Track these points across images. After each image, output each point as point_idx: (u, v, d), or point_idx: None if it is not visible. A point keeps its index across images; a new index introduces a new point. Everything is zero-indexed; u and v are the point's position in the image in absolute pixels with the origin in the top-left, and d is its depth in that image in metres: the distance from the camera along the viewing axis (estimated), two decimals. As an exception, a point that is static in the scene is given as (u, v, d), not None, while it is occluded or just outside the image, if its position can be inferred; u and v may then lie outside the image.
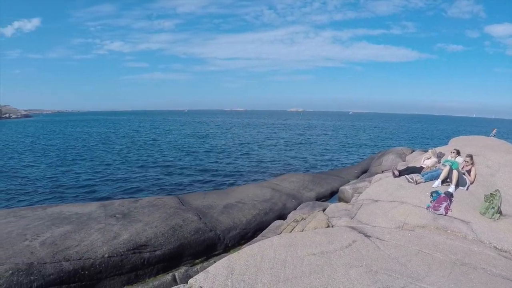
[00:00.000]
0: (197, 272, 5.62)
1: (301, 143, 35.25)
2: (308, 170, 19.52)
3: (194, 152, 27.26)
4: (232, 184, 15.59)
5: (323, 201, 10.74)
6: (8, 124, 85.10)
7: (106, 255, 5.40)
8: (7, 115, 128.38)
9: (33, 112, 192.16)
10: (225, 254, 6.64)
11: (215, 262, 5.77)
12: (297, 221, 7.95)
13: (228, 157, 24.57)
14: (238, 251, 5.15)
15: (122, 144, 33.37)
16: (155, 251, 5.77)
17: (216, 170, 19.41)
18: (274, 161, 23.28)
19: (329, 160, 24.46)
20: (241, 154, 26.25)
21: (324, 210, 8.26)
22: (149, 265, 5.76)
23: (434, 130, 72.21)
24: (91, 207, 6.75)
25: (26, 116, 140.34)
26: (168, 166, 20.76)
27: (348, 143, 36.72)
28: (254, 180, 16.56)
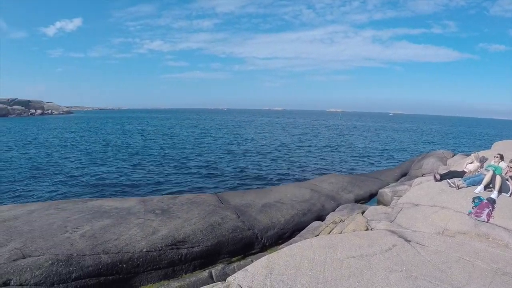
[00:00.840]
0: (234, 270, 5.57)
1: (340, 144, 34.62)
2: (347, 172, 19.18)
3: (233, 151, 27.32)
4: (270, 184, 15.48)
5: (362, 203, 10.46)
6: (51, 120, 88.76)
7: (145, 250, 5.41)
8: (49, 111, 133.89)
9: (75, 108, 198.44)
10: (262, 253, 6.54)
11: (252, 261, 5.70)
12: (336, 223, 7.78)
13: (267, 157, 24.49)
14: (278, 251, 5.06)
15: (162, 142, 33.87)
16: (192, 247, 5.73)
17: (255, 170, 19.37)
18: (313, 161, 23.04)
19: (368, 162, 23.96)
20: (280, 154, 26.10)
21: (363, 213, 8.06)
22: (186, 261, 5.72)
23: (476, 133, 69.35)
24: (131, 202, 6.81)
25: (68, 112, 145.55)
26: (207, 164, 20.89)
27: (388, 145, 35.77)
28: (292, 180, 16.39)
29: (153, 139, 36.66)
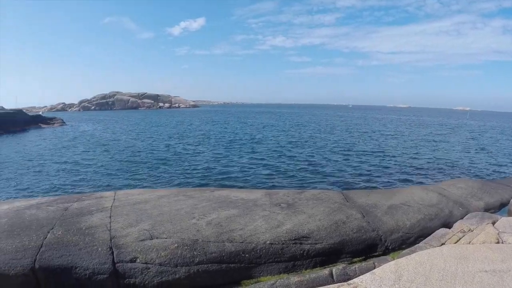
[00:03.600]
0: (355, 271, 5.32)
1: (470, 147, 31.77)
2: (475, 176, 17.61)
3: (361, 149, 26.74)
4: (395, 185, 14.99)
5: (492, 212, 9.34)
6: (178, 112, 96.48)
7: (268, 242, 5.36)
8: (177, 105, 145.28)
9: (201, 102, 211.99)
10: (384, 256, 6.16)
11: (374, 263, 5.44)
12: (464, 232, 7.07)
13: (393, 156, 23.58)
14: (406, 257, 4.77)
15: (289, 137, 34.18)
16: (315, 244, 5.53)
17: (380, 168, 18.83)
18: (441, 164, 21.58)
19: (500, 167, 21.62)
20: (407, 154, 24.97)
21: (493, 223, 7.16)
22: (308, 257, 5.55)
23: None
24: (257, 194, 6.85)
25: (194, 106, 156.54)
26: (331, 160, 20.92)
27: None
28: (420, 182, 15.63)
29: (276, 136, 37.06)
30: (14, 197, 13.59)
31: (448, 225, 7.78)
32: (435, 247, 5.89)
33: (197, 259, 5.16)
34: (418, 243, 6.82)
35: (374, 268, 5.56)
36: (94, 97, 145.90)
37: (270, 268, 5.37)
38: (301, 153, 23.82)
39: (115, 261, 5.20)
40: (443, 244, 6.39)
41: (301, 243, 5.48)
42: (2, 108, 52.52)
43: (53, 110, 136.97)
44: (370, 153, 24.99)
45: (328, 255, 5.70)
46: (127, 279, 5.15)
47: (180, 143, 29.76)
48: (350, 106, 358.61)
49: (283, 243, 5.39)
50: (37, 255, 5.32)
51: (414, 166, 20.14)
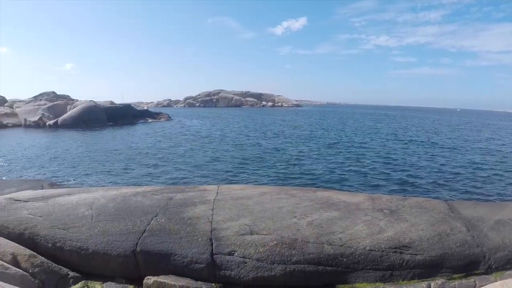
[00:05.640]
0: None
1: None
2: None
3: (469, 157, 25.05)
4: (507, 197, 14.06)
5: None
6: (280, 111, 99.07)
7: (368, 248, 5.19)
8: (279, 104, 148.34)
9: (303, 102, 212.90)
10: (485, 275, 5.72)
11: (475, 281, 5.17)
12: None
13: (496, 166, 21.79)
14: None
15: (396, 141, 33.05)
16: (416, 254, 5.28)
17: (492, 179, 17.63)
18: None
19: None
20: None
21: None
22: (406, 268, 5.30)
23: None
24: (359, 198, 6.70)
25: (297, 105, 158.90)
26: (436, 167, 19.94)
27: None
28: None
29: (386, 138, 36.32)
30: (122, 185, 14.63)
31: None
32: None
33: (295, 258, 5.11)
34: (524, 264, 6.33)
35: (475, 286, 5.24)
36: (199, 94, 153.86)
37: (367, 275, 5.20)
38: (404, 158, 22.82)
39: (214, 252, 5.29)
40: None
41: (401, 252, 5.25)
42: (112, 103, 56.67)
43: (159, 105, 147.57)
44: (478, 161, 23.24)
45: (428, 268, 5.42)
46: (223, 271, 5.22)
47: (284, 141, 30.38)
48: (458, 110, 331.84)
49: (382, 251, 5.20)
50: (139, 239, 5.55)
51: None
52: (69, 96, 64.64)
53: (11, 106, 54.01)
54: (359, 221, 5.62)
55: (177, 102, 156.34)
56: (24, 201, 6.87)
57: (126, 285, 5.52)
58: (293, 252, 5.15)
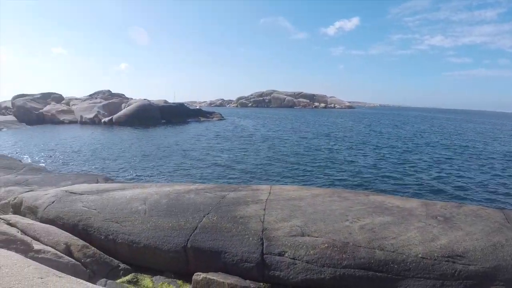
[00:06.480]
0: None
1: None
2: None
3: None
4: None
5: None
6: (333, 113, 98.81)
7: (420, 255, 5.14)
8: (332, 105, 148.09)
9: (356, 104, 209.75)
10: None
11: None
12: None
13: None
14: None
15: (452, 146, 32.18)
16: (469, 265, 5.19)
17: None
18: None
19: None
20: None
21: None
22: (458, 278, 5.21)
23: None
24: (413, 203, 6.64)
25: (349, 107, 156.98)
26: (496, 174, 19.29)
27: None
28: None
29: (441, 142, 35.39)
30: (175, 182, 14.87)
31: None
32: None
33: (345, 262, 5.11)
34: None
35: (528, 301, 5.13)
36: (252, 95, 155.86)
37: (417, 283, 5.15)
38: (460, 164, 22.03)
39: (264, 252, 5.35)
40: None
41: (453, 262, 5.18)
42: (166, 102, 58.54)
43: (212, 105, 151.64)
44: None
45: (480, 280, 5.31)
46: (272, 271, 5.28)
47: (336, 143, 30.35)
48: None
49: (435, 259, 5.14)
50: (190, 235, 5.68)
51: None
52: (123, 94, 66.92)
53: (67, 104, 56.48)
54: (412, 227, 5.58)
55: (229, 102, 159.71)
56: (79, 194, 7.14)
57: (175, 279, 5.65)
58: (343, 256, 5.16)
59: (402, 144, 31.93)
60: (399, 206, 6.38)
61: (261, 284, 5.28)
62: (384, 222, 5.67)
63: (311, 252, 5.23)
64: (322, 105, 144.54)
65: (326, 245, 5.26)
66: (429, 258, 5.13)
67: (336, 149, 26.74)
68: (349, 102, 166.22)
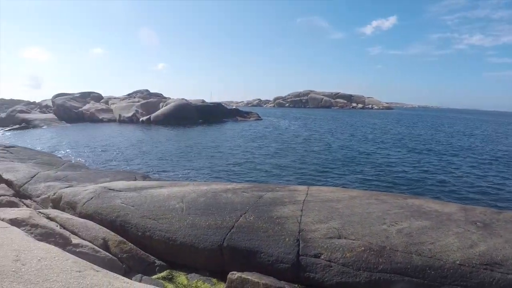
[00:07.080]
0: None
1: None
2: None
3: None
4: None
5: None
6: (371, 114, 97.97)
7: (457, 262, 5.09)
8: (370, 106, 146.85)
9: (394, 105, 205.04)
10: None
11: None
12: None
13: None
14: None
15: (489, 150, 31.33)
16: (507, 274, 5.12)
17: None
18: None
19: None
20: None
21: None
22: (496, 287, 5.15)
23: None
24: (451, 208, 6.60)
25: (388, 108, 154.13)
26: None
27: None
28: None
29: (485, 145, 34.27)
30: (212, 181, 15.11)
31: None
32: None
33: (381, 267, 5.12)
34: None
35: None
36: (289, 95, 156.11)
37: (454, 290, 5.13)
38: (499, 170, 21.18)
39: (300, 253, 5.40)
40: None
41: (492, 270, 5.13)
42: (203, 101, 59.36)
43: (249, 105, 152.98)
44: None
45: (518, 289, 5.29)
46: (307, 273, 5.31)
47: (374, 145, 30.07)
48: None
49: (473, 266, 5.09)
50: (227, 234, 5.77)
51: None
52: (161, 94, 68.04)
53: (106, 103, 58.06)
54: (451, 233, 5.54)
55: (266, 102, 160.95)
56: (118, 190, 7.34)
57: (210, 278, 5.74)
58: (380, 260, 5.16)
59: (442, 147, 31.05)
60: (437, 210, 6.34)
61: (296, 285, 5.32)
62: (422, 227, 5.65)
63: (347, 255, 5.25)
64: (360, 105, 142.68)
65: (363, 248, 5.28)
66: (467, 265, 5.09)
67: (373, 151, 26.34)
68: (387, 103, 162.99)
